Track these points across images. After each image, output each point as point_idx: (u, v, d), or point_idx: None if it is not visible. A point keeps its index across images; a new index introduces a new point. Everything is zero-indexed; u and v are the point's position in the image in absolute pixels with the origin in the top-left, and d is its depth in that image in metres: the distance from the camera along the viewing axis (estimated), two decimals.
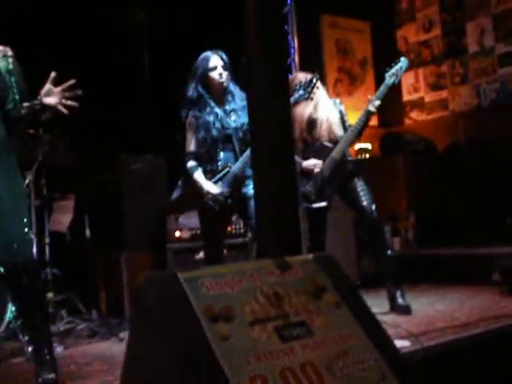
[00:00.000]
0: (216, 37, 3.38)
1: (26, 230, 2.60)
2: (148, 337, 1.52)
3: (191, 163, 3.44)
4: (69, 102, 2.60)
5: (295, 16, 6.75)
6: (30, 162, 3.89)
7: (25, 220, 2.58)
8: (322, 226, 3.89)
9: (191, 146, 3.48)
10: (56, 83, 2.59)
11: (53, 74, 2.58)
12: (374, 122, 6.33)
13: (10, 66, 2.61)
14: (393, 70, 3.73)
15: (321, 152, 3.83)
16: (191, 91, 3.41)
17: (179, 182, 3.51)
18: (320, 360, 1.55)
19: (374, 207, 3.77)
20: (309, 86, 3.51)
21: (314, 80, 3.53)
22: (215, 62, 3.38)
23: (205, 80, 3.39)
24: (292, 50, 6.62)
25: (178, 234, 4.73)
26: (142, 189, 4.78)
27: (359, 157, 6.14)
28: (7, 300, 3.40)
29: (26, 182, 3.83)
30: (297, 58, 6.72)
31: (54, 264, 4.34)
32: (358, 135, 3.78)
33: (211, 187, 3.35)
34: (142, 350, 1.55)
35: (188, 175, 3.41)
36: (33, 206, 3.88)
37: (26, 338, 3.40)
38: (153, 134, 3.70)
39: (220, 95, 3.42)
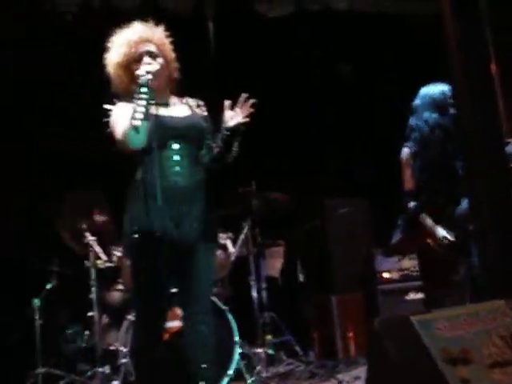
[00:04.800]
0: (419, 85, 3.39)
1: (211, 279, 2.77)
2: (385, 378, 1.57)
3: (412, 204, 3.34)
4: (246, 112, 2.67)
5: (492, 42, 6.49)
6: (245, 213, 4.19)
7: (211, 278, 2.74)
8: None
9: (409, 184, 3.36)
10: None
11: (226, 103, 2.70)
12: None
13: (205, 113, 2.80)
14: None
15: None
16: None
17: (398, 223, 3.46)
18: None
19: None
20: None
21: None
22: None
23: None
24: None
25: (386, 275, 4.73)
26: (348, 232, 4.88)
27: None
28: (235, 342, 3.65)
29: (244, 231, 4.13)
30: (497, 86, 6.43)
31: (270, 307, 4.57)
32: None
33: (443, 232, 3.22)
34: None
35: (410, 217, 3.32)
36: (252, 254, 4.15)
37: (252, 378, 3.64)
38: (358, 178, 3.77)
39: None
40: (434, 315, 1.61)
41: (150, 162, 2.60)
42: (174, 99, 2.80)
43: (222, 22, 5.28)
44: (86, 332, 4.09)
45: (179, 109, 2.75)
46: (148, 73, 2.51)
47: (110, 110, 2.68)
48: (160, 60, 2.66)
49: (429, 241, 3.26)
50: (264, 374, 3.78)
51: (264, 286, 4.38)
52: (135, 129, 2.42)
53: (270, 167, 5.11)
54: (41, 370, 3.83)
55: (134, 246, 2.65)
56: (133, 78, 2.62)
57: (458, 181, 3.24)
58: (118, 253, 3.96)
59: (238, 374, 3.81)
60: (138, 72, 2.53)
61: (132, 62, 2.65)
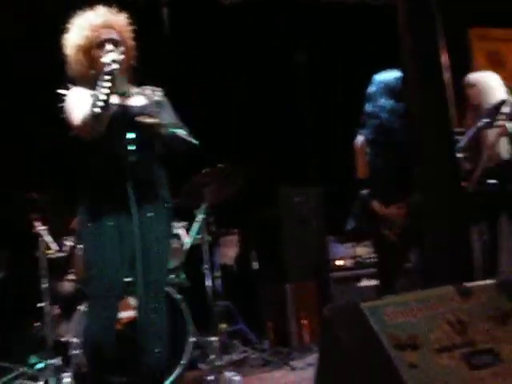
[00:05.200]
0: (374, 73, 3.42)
1: (164, 277, 2.79)
2: (336, 364, 1.59)
3: (364, 191, 3.35)
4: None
5: (442, 32, 6.59)
6: (198, 201, 4.15)
7: (164, 268, 2.76)
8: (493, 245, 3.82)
9: (362, 171, 3.41)
10: None
11: None
12: None
13: (159, 98, 2.75)
14: None
15: None
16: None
17: (352, 210, 3.48)
18: None
19: None
20: (495, 114, 3.39)
21: (501, 106, 3.40)
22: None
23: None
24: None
25: (339, 262, 4.78)
26: (302, 220, 4.91)
27: None
28: (188, 331, 3.63)
29: (197, 219, 4.09)
30: (447, 75, 6.54)
31: (224, 296, 4.56)
32: None
33: (393, 218, 3.26)
34: (331, 376, 1.61)
35: (362, 204, 3.34)
36: (206, 243, 4.13)
37: (206, 367, 3.64)
38: (310, 166, 3.80)
39: None
40: (383, 302, 1.63)
41: (104, 152, 2.59)
42: (131, 88, 2.76)
43: (176, 7, 5.22)
44: (37, 323, 4.01)
45: (136, 98, 2.72)
46: (114, 62, 2.47)
47: (64, 95, 2.64)
48: (121, 48, 2.63)
49: (382, 229, 3.31)
50: (218, 363, 3.77)
51: (218, 274, 4.37)
52: (96, 116, 2.41)
53: (224, 155, 5.09)
54: None
55: (87, 235, 2.64)
56: (92, 63, 2.61)
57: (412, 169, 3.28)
58: (69, 242, 3.89)
59: (192, 363, 3.81)
60: (103, 60, 2.50)
61: (94, 46, 2.62)
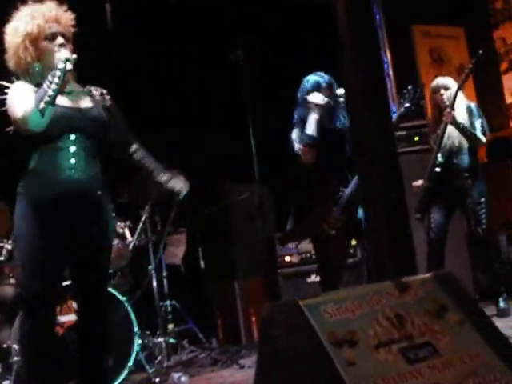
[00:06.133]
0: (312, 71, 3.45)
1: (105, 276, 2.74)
2: (275, 363, 1.57)
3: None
4: None
5: (385, 29, 6.68)
6: (144, 200, 4.08)
7: (106, 269, 2.71)
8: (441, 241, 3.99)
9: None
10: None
11: None
12: None
13: (107, 103, 2.72)
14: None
15: None
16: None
17: (292, 210, 3.50)
18: (449, 380, 1.54)
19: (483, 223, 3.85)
20: (414, 98, 3.50)
21: (418, 90, 3.52)
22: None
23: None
24: (385, 64, 6.55)
25: (288, 258, 4.79)
26: (250, 217, 4.87)
27: None
28: (134, 333, 3.57)
29: (142, 219, 4.03)
30: (391, 71, 6.64)
31: (171, 296, 4.51)
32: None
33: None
34: (270, 375, 1.60)
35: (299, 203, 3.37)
36: (150, 242, 4.07)
37: (153, 369, 3.58)
38: (257, 163, 3.78)
39: None
40: (322, 299, 1.62)
41: (44, 152, 2.53)
42: (75, 87, 2.69)
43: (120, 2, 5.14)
44: None
45: (81, 99, 2.66)
46: (67, 60, 2.39)
47: (7, 88, 2.56)
48: (71, 46, 2.60)
49: (323, 225, 3.33)
50: (165, 364, 3.72)
51: (165, 274, 4.32)
52: (40, 112, 2.34)
53: (170, 153, 5.02)
54: None
55: (23, 235, 2.53)
56: (38, 55, 2.55)
57: (346, 164, 3.35)
58: (8, 246, 3.76)
59: (139, 365, 3.74)
60: (57, 55, 2.43)
61: (43, 37, 2.55)
